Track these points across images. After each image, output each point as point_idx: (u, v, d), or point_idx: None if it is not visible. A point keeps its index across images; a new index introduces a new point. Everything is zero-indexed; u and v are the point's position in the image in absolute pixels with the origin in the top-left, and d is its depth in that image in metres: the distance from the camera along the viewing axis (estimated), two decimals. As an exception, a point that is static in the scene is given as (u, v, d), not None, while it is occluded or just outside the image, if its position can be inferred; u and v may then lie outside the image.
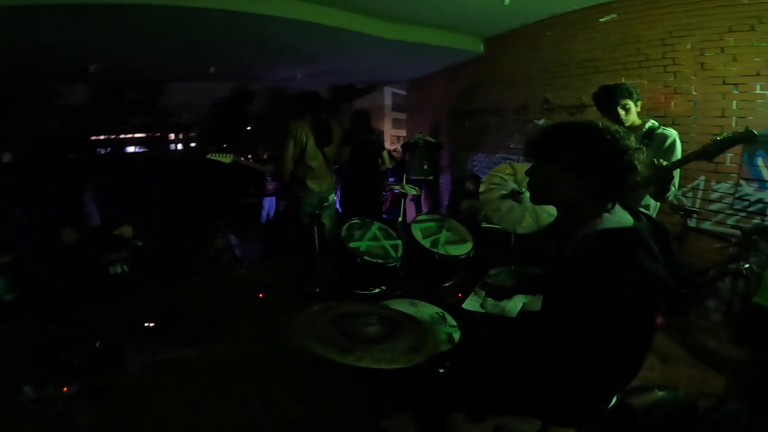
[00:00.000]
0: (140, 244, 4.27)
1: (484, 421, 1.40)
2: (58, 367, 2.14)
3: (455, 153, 6.55)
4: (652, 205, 2.53)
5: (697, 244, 3.30)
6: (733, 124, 3.28)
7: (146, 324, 2.87)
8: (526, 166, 2.40)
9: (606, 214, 1.01)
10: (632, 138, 1.03)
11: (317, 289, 2.48)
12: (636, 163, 0.98)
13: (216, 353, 2.55)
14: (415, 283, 2.32)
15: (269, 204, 8.57)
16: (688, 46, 3.52)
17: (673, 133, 2.42)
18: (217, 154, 3.34)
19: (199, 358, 2.47)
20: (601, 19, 4.09)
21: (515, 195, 2.13)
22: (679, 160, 2.11)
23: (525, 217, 2.07)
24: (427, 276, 2.34)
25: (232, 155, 3.34)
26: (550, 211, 2.07)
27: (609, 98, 2.51)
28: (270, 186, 8.50)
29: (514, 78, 5.19)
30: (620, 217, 1.01)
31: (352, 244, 2.24)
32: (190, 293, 3.70)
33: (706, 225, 3.36)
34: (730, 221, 3.27)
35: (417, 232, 2.36)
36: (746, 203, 3.15)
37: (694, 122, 3.49)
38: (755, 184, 3.11)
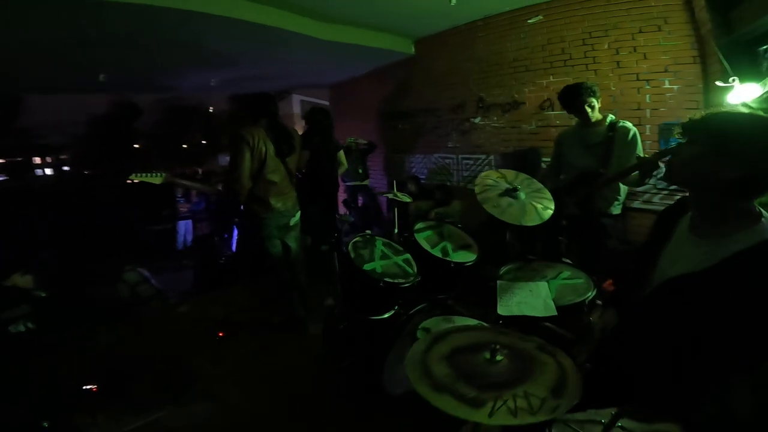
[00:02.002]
0: (43, 294, 3.42)
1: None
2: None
3: (390, 156, 6.51)
4: (623, 191, 2.79)
5: (637, 222, 3.67)
6: (648, 116, 3.72)
7: (86, 387, 2.31)
8: (513, 172, 2.42)
9: (765, 220, 0.92)
10: None
11: (340, 326, 2.14)
12: None
13: (198, 410, 2.10)
14: (424, 296, 2.14)
15: (185, 228, 7.63)
16: (606, 46, 3.91)
17: (631, 126, 2.70)
18: (143, 174, 2.74)
19: (180, 420, 2.01)
20: (528, 21, 4.37)
21: (511, 192, 2.10)
22: (670, 149, 2.25)
23: (526, 211, 2.04)
24: (439, 287, 2.17)
25: (163, 174, 2.77)
26: (546, 205, 2.06)
27: (575, 98, 2.70)
28: (184, 208, 7.60)
29: (447, 78, 5.30)
30: None
31: (367, 267, 1.97)
32: (129, 341, 3.07)
33: (636, 204, 3.74)
34: (656, 199, 3.69)
35: (424, 243, 2.18)
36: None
37: (615, 115, 3.87)
38: (674, 166, 3.56)
